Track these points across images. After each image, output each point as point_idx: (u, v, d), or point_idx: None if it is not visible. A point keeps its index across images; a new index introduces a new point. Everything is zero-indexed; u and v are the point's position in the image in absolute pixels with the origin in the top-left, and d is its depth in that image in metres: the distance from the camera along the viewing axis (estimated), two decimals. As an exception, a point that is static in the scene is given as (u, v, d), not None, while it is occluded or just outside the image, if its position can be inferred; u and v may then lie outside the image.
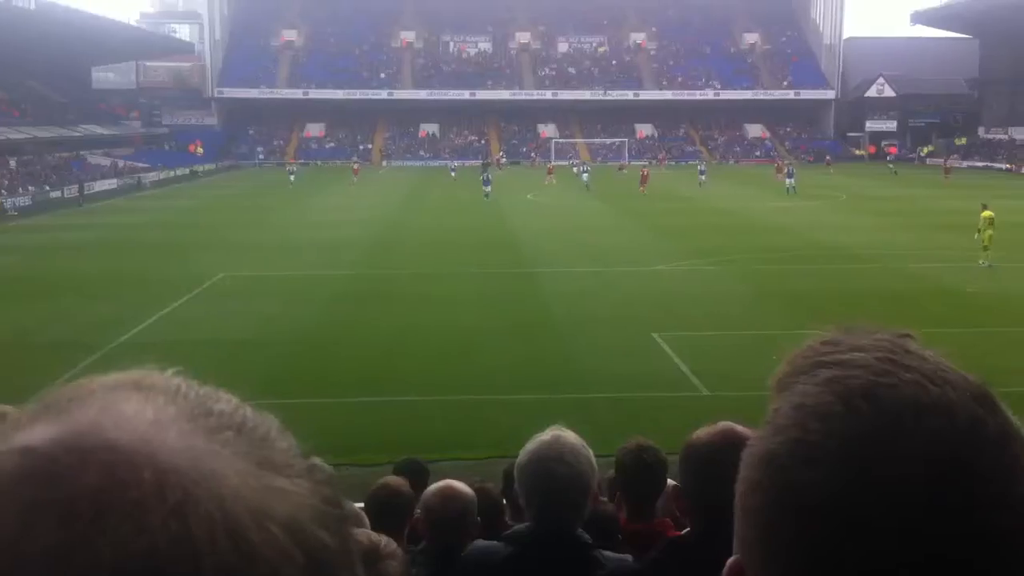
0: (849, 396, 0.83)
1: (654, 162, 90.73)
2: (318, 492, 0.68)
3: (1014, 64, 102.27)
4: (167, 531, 0.59)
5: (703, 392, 16.65)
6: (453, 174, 73.76)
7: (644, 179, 59.69)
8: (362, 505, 5.25)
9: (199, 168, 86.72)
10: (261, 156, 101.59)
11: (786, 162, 75.88)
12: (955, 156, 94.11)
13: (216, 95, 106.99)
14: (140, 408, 0.66)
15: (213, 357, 18.90)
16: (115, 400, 0.67)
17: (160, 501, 0.59)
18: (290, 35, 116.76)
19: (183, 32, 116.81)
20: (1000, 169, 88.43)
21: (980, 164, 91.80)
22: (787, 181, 58.55)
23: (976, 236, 30.27)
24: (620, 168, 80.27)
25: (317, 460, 0.71)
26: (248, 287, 27.36)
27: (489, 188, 55.53)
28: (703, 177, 65.68)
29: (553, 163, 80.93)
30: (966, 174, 79.01)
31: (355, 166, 77.48)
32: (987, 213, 30.18)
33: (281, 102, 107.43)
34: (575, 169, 70.74)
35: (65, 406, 0.67)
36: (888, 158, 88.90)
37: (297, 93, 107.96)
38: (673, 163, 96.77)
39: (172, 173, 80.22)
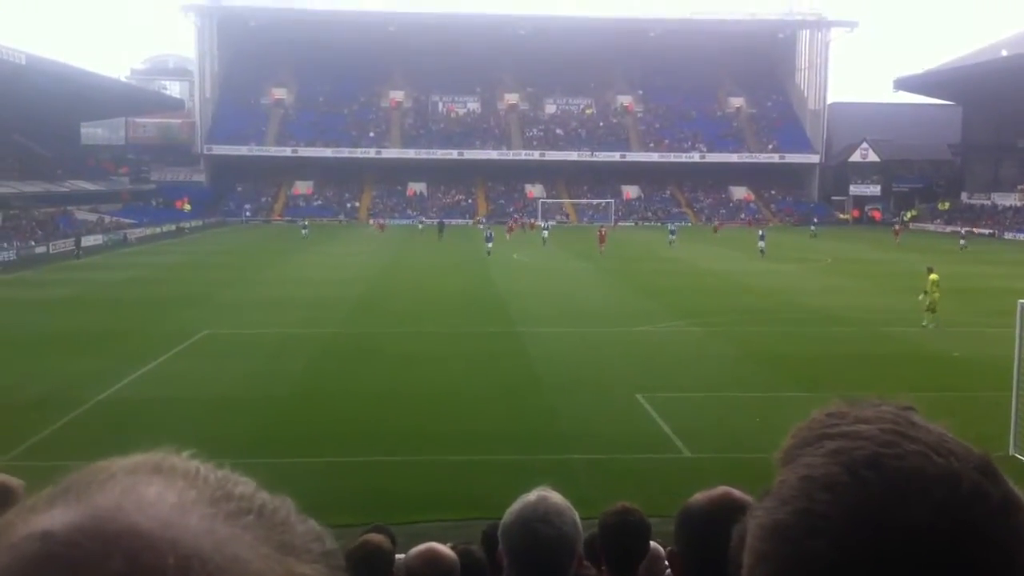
0: (855, 467, 0.83)
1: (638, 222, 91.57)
2: None
3: (996, 130, 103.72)
4: None
5: (685, 453, 16.58)
6: (420, 227, 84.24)
7: (602, 238, 61.56)
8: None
9: (185, 224, 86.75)
10: (248, 213, 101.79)
11: (760, 225, 77.39)
12: (933, 220, 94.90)
13: (205, 152, 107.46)
14: (162, 492, 0.65)
15: (194, 415, 18.79)
16: (136, 483, 0.66)
17: None
18: (280, 93, 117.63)
19: (173, 89, 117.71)
20: (983, 234, 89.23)
21: (963, 229, 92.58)
22: (759, 244, 58.98)
23: (922, 297, 30.88)
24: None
25: (332, 544, 0.72)
26: (232, 344, 27.23)
27: (491, 245, 58.45)
28: (673, 237, 67.81)
29: (513, 223, 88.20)
30: (947, 238, 79.78)
31: (382, 222, 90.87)
32: (934, 276, 30.77)
33: (270, 159, 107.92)
34: (542, 226, 77.99)
35: (84, 489, 0.65)
36: (813, 223, 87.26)
37: (286, 151, 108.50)
38: (659, 224, 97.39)
39: (158, 229, 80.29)
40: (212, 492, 0.68)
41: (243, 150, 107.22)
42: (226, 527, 0.64)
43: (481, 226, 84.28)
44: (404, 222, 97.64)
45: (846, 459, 0.84)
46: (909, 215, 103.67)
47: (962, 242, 69.13)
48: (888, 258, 57.88)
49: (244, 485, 0.71)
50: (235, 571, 0.61)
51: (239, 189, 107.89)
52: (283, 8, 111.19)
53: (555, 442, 17.19)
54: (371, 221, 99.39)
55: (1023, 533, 0.82)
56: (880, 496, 0.81)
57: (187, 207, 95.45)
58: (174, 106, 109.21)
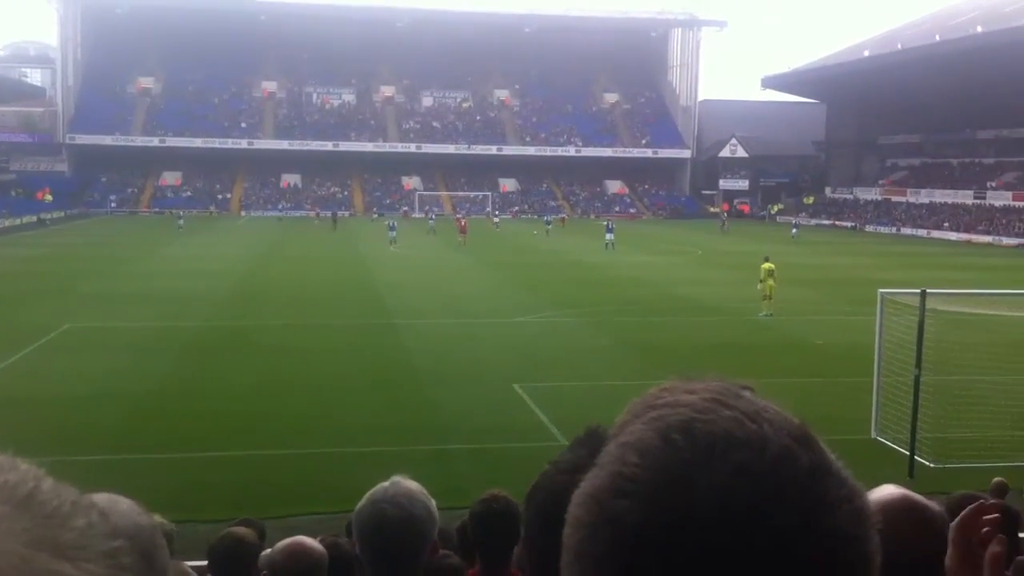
0: (668, 431, 0.84)
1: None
2: None
3: (858, 127, 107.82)
4: None
5: (562, 442, 16.61)
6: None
7: (463, 229, 63.34)
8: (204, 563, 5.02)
9: (47, 216, 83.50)
10: (113, 204, 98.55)
11: (606, 218, 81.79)
12: (799, 213, 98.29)
13: (68, 141, 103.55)
14: None
15: (54, 412, 18.07)
16: None
17: None
18: (147, 82, 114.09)
19: (35, 77, 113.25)
20: (845, 227, 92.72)
21: (827, 222, 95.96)
22: (607, 236, 59.37)
23: (758, 286, 31.81)
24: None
25: (121, 542, 0.65)
26: (96, 338, 26.26)
27: (394, 234, 60.05)
28: (549, 227, 74.06)
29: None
30: (813, 232, 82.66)
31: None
32: (767, 265, 31.78)
33: (136, 150, 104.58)
34: (427, 216, 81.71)
35: None
36: (723, 216, 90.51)
37: (153, 141, 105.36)
38: (536, 216, 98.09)
39: (18, 221, 77.03)
40: None
41: (108, 140, 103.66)
42: None
43: (375, 218, 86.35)
44: (278, 214, 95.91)
45: (661, 424, 0.86)
46: (775, 209, 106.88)
47: (794, 231, 74.90)
48: (757, 250, 59.52)
49: (17, 473, 0.65)
50: None
51: (104, 180, 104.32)
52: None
53: (433, 433, 17.13)
54: (243, 213, 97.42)
55: (830, 498, 0.83)
56: (685, 458, 0.82)
57: (48, 198, 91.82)
58: (35, 94, 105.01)
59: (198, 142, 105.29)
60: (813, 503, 0.82)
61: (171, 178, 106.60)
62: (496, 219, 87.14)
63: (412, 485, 3.16)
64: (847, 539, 0.82)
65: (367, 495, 3.13)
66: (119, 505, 1.79)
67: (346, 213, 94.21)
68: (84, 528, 0.64)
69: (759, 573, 0.79)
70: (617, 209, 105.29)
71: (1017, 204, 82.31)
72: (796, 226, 79.02)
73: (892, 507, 2.10)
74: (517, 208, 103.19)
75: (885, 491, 2.15)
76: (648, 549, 0.80)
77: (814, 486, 0.83)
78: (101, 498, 1.74)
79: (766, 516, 0.80)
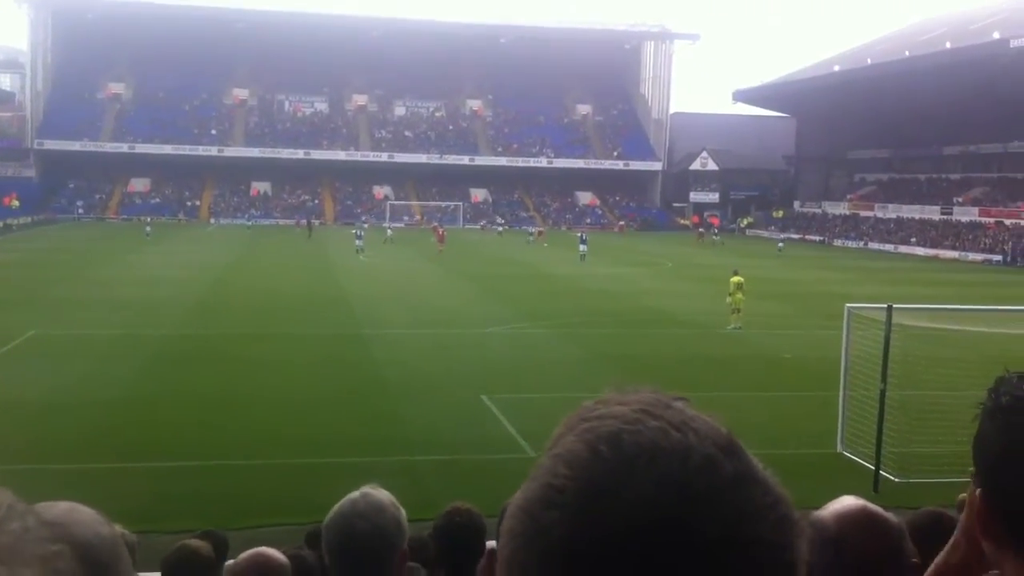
0: (596, 443, 0.85)
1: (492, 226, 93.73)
2: None
3: (828, 142, 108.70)
4: None
5: (530, 454, 16.64)
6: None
7: (441, 238, 64.07)
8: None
9: (13, 221, 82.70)
10: (81, 210, 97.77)
11: (579, 229, 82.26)
12: (768, 227, 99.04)
13: (36, 147, 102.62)
14: None
15: (18, 419, 17.86)
16: None
17: None
18: (117, 88, 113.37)
19: (3, 82, 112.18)
20: (814, 241, 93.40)
21: (796, 236, 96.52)
22: (580, 248, 59.75)
23: (728, 300, 31.90)
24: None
25: (60, 547, 0.65)
26: (61, 346, 25.98)
27: (360, 243, 61.29)
28: (531, 238, 76.47)
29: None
30: (788, 247, 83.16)
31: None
32: (736, 278, 31.87)
33: (104, 156, 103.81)
34: (386, 227, 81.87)
35: None
36: (714, 228, 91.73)
37: (122, 147, 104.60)
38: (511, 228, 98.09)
39: (-16, 226, 76.26)
40: None
41: (76, 146, 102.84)
42: None
43: (366, 226, 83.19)
44: (248, 222, 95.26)
45: (590, 436, 0.86)
46: (745, 222, 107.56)
47: (780, 245, 77.39)
48: (727, 263, 59.83)
49: None
50: None
51: (71, 186, 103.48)
52: (123, 1, 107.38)
53: (401, 444, 17.04)
54: (212, 221, 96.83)
55: (755, 506, 0.84)
56: (611, 468, 0.83)
57: (16, 204, 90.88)
58: (4, 99, 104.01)
59: (167, 149, 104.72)
60: (737, 512, 0.82)
61: (140, 185, 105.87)
62: (500, 228, 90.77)
63: (381, 497, 3.13)
64: (772, 547, 0.83)
65: (336, 507, 3.10)
66: (80, 514, 1.76)
67: (317, 222, 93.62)
68: (19, 532, 0.64)
69: None
70: (589, 221, 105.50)
71: (983, 220, 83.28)
72: (783, 241, 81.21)
73: (850, 518, 2.16)
74: (503, 221, 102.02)
75: (844, 502, 2.21)
76: (576, 560, 0.81)
77: (738, 495, 0.83)
78: (62, 507, 1.71)
79: (689, 525, 0.80)
